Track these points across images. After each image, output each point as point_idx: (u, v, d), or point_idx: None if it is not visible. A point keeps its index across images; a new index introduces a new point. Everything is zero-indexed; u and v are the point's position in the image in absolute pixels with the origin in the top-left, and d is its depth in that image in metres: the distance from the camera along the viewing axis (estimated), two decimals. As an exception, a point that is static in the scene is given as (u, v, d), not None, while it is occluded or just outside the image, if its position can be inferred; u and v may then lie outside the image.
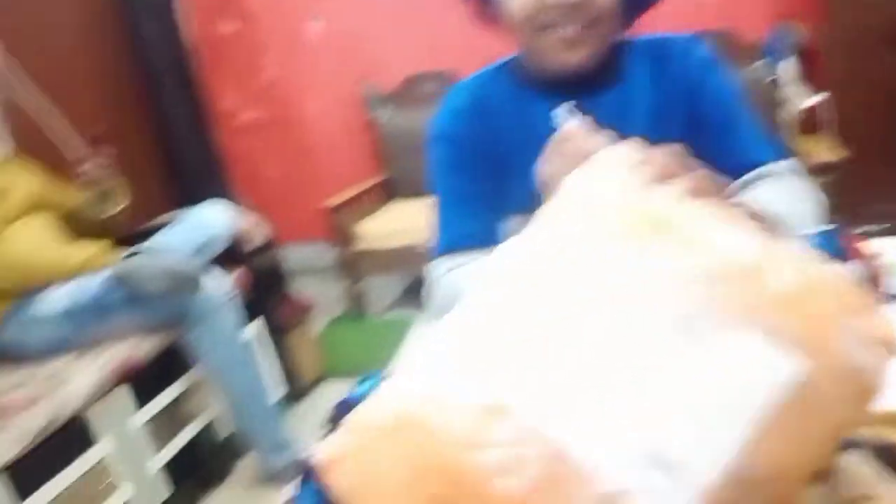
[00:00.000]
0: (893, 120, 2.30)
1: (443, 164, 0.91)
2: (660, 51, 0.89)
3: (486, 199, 0.87)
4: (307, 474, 0.50)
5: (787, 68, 2.49)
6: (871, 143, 2.25)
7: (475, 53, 1.06)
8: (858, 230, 0.90)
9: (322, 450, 0.42)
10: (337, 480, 0.40)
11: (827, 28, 2.33)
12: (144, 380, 1.73)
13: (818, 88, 2.41)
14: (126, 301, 1.67)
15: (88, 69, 2.59)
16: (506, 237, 0.78)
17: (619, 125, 0.83)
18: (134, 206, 1.93)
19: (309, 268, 3.05)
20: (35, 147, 1.79)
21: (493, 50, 0.94)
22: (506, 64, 0.92)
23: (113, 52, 2.74)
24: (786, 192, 0.83)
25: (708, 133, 0.86)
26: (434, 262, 0.90)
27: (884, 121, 2.30)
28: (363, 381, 0.70)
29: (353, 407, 0.44)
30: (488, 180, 0.87)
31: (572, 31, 0.78)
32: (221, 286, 1.80)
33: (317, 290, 2.73)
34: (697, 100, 0.87)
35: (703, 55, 0.89)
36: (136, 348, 1.71)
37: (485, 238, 0.83)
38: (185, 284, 1.69)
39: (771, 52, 2.53)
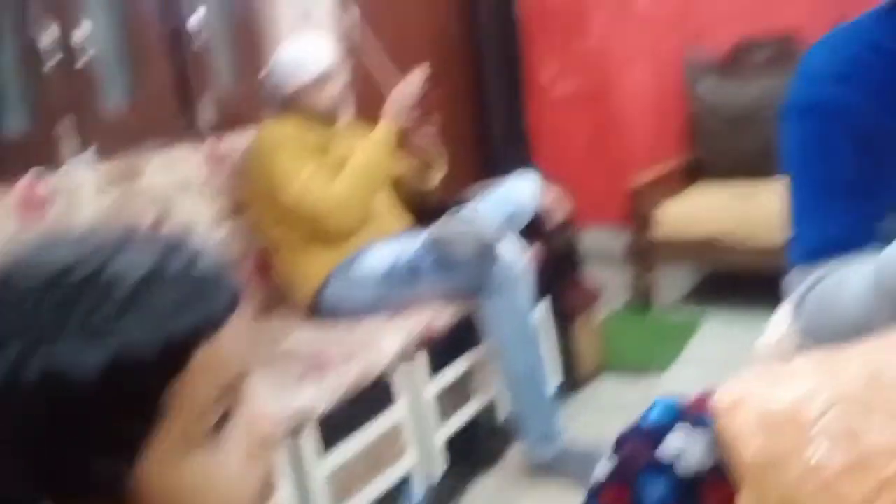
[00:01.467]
0: None
1: (806, 142, 0.72)
2: None
3: (863, 189, 0.69)
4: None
5: None
6: None
7: (820, 15, 0.79)
8: None
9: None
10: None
11: None
12: (440, 349, 1.75)
13: None
14: (436, 265, 1.72)
15: (427, 39, 2.71)
16: (886, 238, 0.57)
17: None
18: (448, 175, 1.98)
19: (602, 253, 2.88)
20: (373, 114, 1.86)
21: (845, 10, 0.73)
22: (875, 18, 0.70)
23: (449, 23, 2.85)
24: None
25: None
26: (796, 270, 0.72)
27: None
28: (652, 408, 0.52)
29: (639, 438, 0.39)
30: (865, 165, 0.69)
31: None
32: (520, 259, 1.78)
33: (606, 277, 2.54)
34: None
35: None
36: (438, 316, 1.74)
37: (861, 239, 0.67)
38: (488, 251, 1.70)
39: None
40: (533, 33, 3.04)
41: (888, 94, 0.67)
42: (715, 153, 2.66)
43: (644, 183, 2.50)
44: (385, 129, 1.79)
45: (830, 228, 0.70)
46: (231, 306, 0.39)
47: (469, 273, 1.70)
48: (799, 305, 0.71)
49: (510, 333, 1.75)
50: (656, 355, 2.26)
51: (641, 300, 2.61)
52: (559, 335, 2.08)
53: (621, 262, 2.67)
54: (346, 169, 1.74)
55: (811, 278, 0.70)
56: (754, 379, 0.38)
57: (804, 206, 0.73)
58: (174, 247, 0.39)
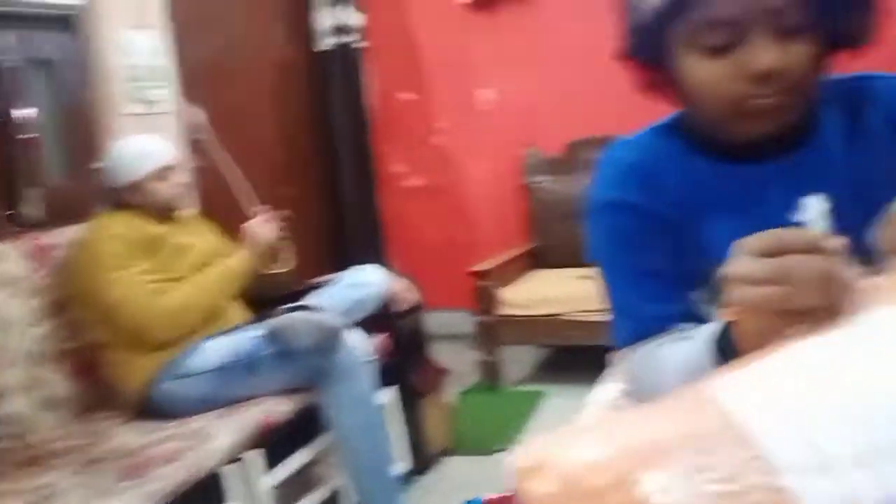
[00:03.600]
0: None
1: (612, 236, 0.79)
2: (858, 92, 0.74)
3: (669, 273, 0.75)
4: None
5: None
6: None
7: (637, 116, 0.93)
8: None
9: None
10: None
11: None
12: (279, 441, 1.72)
13: None
14: (275, 357, 1.70)
15: (276, 134, 2.76)
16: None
17: (818, 187, 0.68)
18: (300, 266, 2.01)
19: (449, 335, 2.98)
20: (215, 209, 1.87)
21: (659, 112, 0.83)
22: (668, 125, 0.81)
23: (299, 119, 2.94)
24: None
25: None
26: (623, 352, 0.78)
27: None
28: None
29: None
30: (668, 252, 0.76)
31: (773, 101, 0.67)
32: (363, 347, 1.79)
33: (454, 358, 2.63)
34: None
35: None
36: (275, 409, 1.71)
37: (679, 318, 0.72)
38: (330, 340, 1.70)
39: None
40: (383, 128, 3.24)
41: (677, 196, 0.76)
42: (551, 242, 2.91)
43: (488, 269, 2.67)
44: (243, 260, 1.83)
45: (651, 310, 0.74)
46: None
47: (310, 363, 1.69)
48: (628, 373, 0.78)
49: (353, 422, 1.74)
50: (503, 432, 2.34)
51: (489, 379, 2.72)
52: (408, 418, 2.11)
53: (470, 344, 2.79)
54: (188, 283, 1.73)
55: (635, 357, 0.75)
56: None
57: (623, 295, 0.78)
58: None
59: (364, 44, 3.09)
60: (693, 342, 0.66)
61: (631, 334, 0.76)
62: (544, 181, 2.98)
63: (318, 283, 2.01)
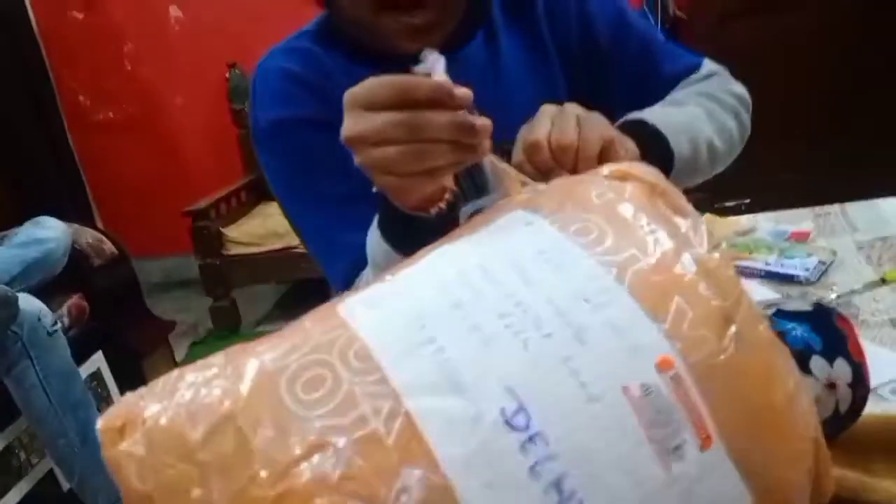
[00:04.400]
0: (761, 91, 2.33)
1: (291, 161, 0.67)
2: None
3: (367, 191, 0.66)
4: None
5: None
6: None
7: None
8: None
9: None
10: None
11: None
12: None
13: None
14: None
15: None
16: None
17: (495, 79, 0.69)
18: None
19: (173, 282, 2.73)
20: None
21: None
22: (320, 31, 0.71)
23: None
24: (706, 99, 0.71)
25: (621, 60, 0.72)
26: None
27: (753, 93, 2.32)
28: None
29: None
30: (357, 169, 0.66)
31: (424, 17, 0.61)
32: (47, 314, 1.56)
33: (182, 307, 2.42)
34: (590, 27, 0.71)
35: None
36: None
37: None
38: (1, 310, 1.43)
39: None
40: (60, 54, 2.77)
41: (334, 107, 0.68)
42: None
43: (205, 207, 2.44)
44: None
45: (355, 239, 0.63)
46: None
47: None
48: None
49: (50, 401, 1.52)
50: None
51: (226, 325, 2.56)
52: (128, 382, 1.90)
53: (200, 290, 2.58)
54: None
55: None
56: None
57: (317, 230, 0.69)
58: None
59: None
60: (371, 227, 0.58)
61: (349, 276, 0.64)
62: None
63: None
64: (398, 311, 0.34)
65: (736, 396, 0.30)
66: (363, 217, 0.59)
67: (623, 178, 0.39)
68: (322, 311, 0.36)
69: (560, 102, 0.51)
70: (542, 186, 0.42)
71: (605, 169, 0.40)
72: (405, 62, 0.67)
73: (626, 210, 0.36)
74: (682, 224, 0.35)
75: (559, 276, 0.33)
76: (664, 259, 0.33)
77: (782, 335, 0.49)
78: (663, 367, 0.30)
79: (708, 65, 0.76)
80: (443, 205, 0.48)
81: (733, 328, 0.31)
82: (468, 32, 0.70)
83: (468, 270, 0.35)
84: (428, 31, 0.61)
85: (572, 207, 0.37)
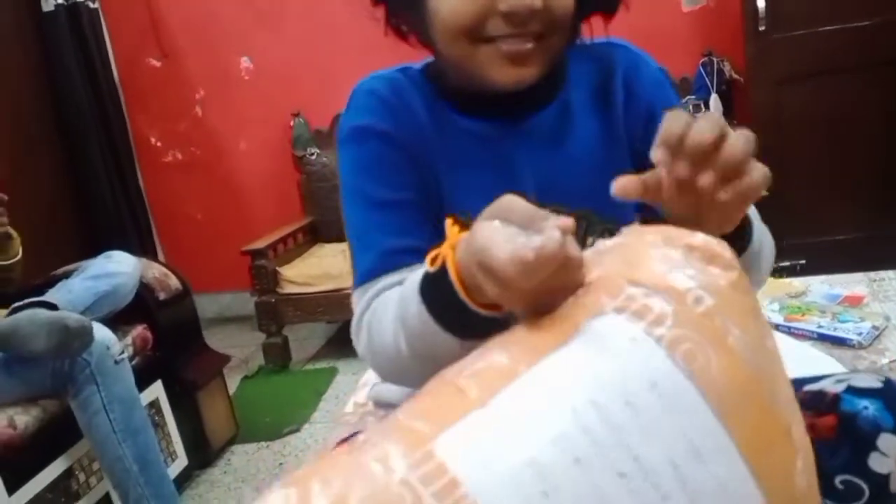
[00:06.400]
0: (816, 153, 2.32)
1: (358, 164, 0.72)
2: (606, 59, 0.76)
3: (415, 206, 0.71)
4: None
5: (714, 103, 2.49)
6: (794, 177, 2.24)
7: None
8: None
9: None
10: None
11: (752, 62, 2.34)
12: (23, 458, 1.50)
13: (742, 122, 2.41)
14: (6, 364, 1.48)
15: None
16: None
17: (562, 146, 0.73)
18: (40, 256, 1.72)
19: (228, 318, 2.81)
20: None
21: None
22: (418, 70, 0.77)
23: (24, 90, 2.53)
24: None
25: None
26: (356, 293, 0.70)
27: (807, 154, 2.31)
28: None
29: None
30: (414, 186, 0.71)
31: (523, 45, 0.65)
32: (114, 344, 1.62)
33: (236, 342, 2.50)
34: (652, 118, 0.72)
35: (656, 68, 0.77)
36: (12, 423, 1.48)
37: (421, 253, 0.61)
38: (73, 341, 1.49)
39: (699, 87, 2.53)
40: (135, 98, 2.95)
41: (430, 138, 0.72)
42: (328, 216, 2.84)
43: (263, 247, 2.54)
44: None
45: (386, 243, 0.69)
46: None
47: (51, 367, 1.51)
48: (356, 332, 0.69)
49: (111, 427, 1.57)
50: (294, 413, 2.28)
51: (276, 361, 2.61)
52: (184, 413, 1.95)
53: (253, 326, 2.66)
54: None
55: (370, 292, 0.68)
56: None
57: (359, 226, 0.72)
58: None
59: (96, 3, 2.75)
60: (404, 287, 0.61)
61: (369, 267, 0.69)
62: (314, 153, 2.90)
63: (62, 273, 1.78)
64: (512, 466, 0.34)
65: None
66: (396, 223, 0.69)
67: (710, 259, 0.39)
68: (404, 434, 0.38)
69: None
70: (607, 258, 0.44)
71: (695, 237, 0.40)
72: (486, 107, 0.71)
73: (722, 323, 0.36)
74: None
75: (674, 423, 0.33)
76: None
77: (854, 416, 0.50)
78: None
79: None
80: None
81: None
82: (542, 99, 0.74)
83: (582, 411, 0.34)
84: (526, 59, 0.66)
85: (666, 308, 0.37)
